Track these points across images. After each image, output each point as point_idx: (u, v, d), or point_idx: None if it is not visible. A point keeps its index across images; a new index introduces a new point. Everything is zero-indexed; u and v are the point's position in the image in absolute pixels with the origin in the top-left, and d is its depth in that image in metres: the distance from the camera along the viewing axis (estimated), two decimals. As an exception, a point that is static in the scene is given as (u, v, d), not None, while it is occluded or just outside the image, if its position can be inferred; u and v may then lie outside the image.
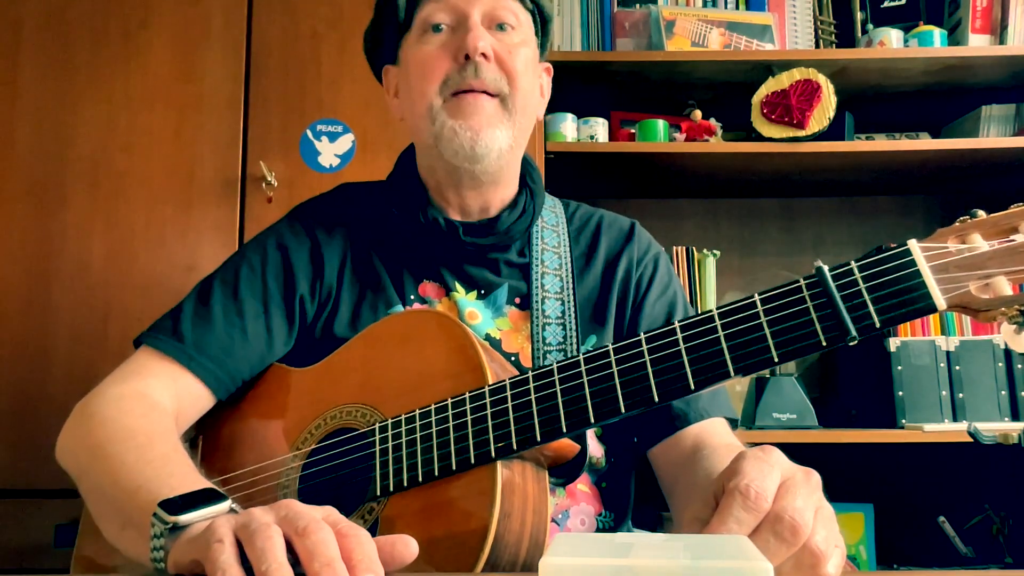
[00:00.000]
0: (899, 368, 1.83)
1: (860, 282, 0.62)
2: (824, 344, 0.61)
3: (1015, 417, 1.81)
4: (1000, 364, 1.83)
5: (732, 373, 0.63)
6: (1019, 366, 1.82)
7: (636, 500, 1.02)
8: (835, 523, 0.58)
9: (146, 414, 0.83)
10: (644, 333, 0.67)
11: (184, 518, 0.60)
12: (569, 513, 0.91)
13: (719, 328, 0.64)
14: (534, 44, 1.00)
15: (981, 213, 0.63)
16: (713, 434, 0.90)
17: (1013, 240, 0.61)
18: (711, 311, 0.65)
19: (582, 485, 0.94)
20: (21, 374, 1.74)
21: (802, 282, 0.63)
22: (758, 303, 0.64)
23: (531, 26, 1.00)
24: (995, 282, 0.60)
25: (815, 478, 0.59)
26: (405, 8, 0.96)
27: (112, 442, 0.79)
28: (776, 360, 0.62)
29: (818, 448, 1.77)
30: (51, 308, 1.76)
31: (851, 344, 0.61)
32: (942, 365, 1.84)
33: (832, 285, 0.62)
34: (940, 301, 0.60)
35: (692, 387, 0.64)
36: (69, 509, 1.60)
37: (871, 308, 0.61)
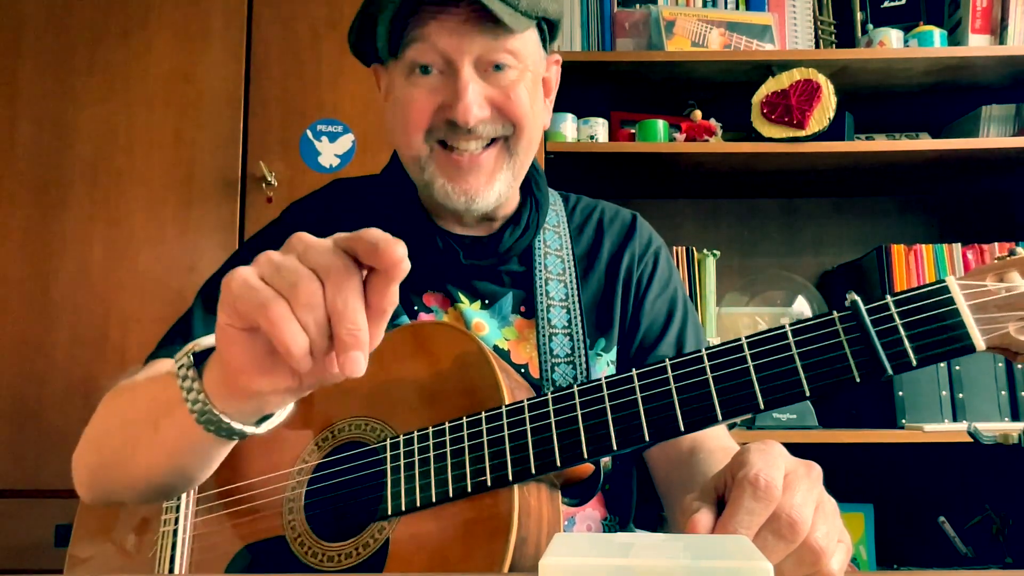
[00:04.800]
0: (899, 368, 1.83)
1: (896, 318, 0.59)
2: (858, 380, 0.59)
3: (1015, 417, 1.81)
4: (1000, 364, 1.83)
5: (762, 406, 0.61)
6: (1019, 366, 1.82)
7: (637, 501, 1.02)
8: (838, 518, 0.57)
9: (146, 375, 0.83)
10: (669, 360, 0.65)
11: (205, 339, 0.60)
12: (575, 520, 0.91)
13: (748, 358, 0.62)
14: (537, 61, 0.92)
15: (1021, 251, 0.62)
16: (710, 436, 0.89)
17: None
18: (740, 339, 0.63)
19: None
20: (21, 374, 1.74)
21: (835, 315, 0.61)
22: (789, 334, 0.62)
23: (534, 41, 0.91)
24: None
25: (816, 471, 0.58)
26: (388, 48, 0.88)
27: (122, 391, 0.79)
28: (807, 395, 0.60)
29: (818, 448, 1.77)
30: (51, 308, 1.76)
31: (883, 380, 0.60)
32: (942, 365, 1.84)
33: (867, 320, 0.60)
34: (980, 342, 0.58)
35: (720, 418, 0.62)
36: (69, 509, 1.59)
37: (907, 346, 0.59)
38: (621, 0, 2.16)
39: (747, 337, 0.63)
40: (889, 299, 0.60)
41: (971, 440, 1.36)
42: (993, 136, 2.03)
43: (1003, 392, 1.82)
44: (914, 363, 0.59)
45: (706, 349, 0.64)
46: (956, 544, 1.96)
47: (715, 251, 2.06)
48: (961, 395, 1.82)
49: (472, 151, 0.87)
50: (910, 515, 2.05)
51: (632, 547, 0.46)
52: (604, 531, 0.92)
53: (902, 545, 2.04)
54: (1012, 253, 0.62)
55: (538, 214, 0.98)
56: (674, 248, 2.04)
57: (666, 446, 0.91)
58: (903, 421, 1.81)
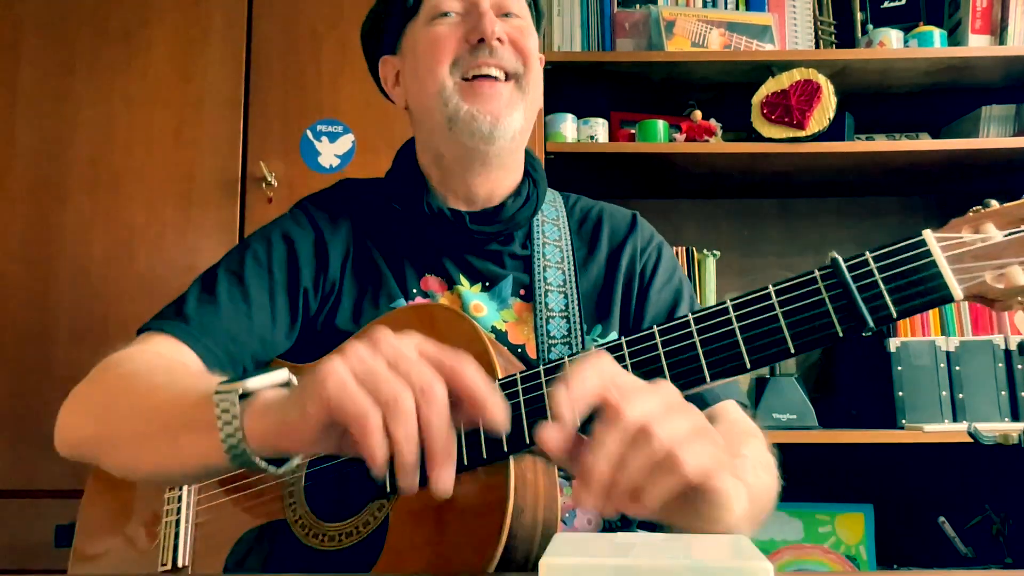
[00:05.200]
0: (899, 368, 1.83)
1: (876, 272, 0.61)
2: (841, 335, 0.61)
3: (1015, 417, 1.81)
4: (1000, 364, 1.83)
5: (748, 366, 0.63)
6: (1019, 366, 1.82)
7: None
8: (693, 414, 0.58)
9: (147, 355, 0.83)
10: (657, 326, 0.67)
11: (251, 382, 0.61)
12: (576, 512, 0.91)
13: (734, 320, 0.64)
14: (535, 34, 1.01)
15: (994, 203, 0.63)
16: (726, 412, 0.90)
17: None
18: (725, 303, 0.65)
19: None
20: (21, 374, 1.74)
21: (817, 273, 0.63)
22: (772, 294, 0.63)
23: (529, 15, 1.01)
24: (1010, 272, 0.60)
25: (665, 386, 0.59)
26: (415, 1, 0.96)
27: (135, 375, 0.78)
28: (792, 352, 0.62)
29: (818, 448, 1.77)
30: (51, 308, 1.76)
31: (865, 335, 0.61)
32: (942, 365, 1.84)
33: (848, 276, 0.61)
34: (957, 291, 0.60)
35: (707, 379, 0.64)
36: (69, 509, 1.59)
37: (887, 299, 0.60)
38: (621, 0, 2.16)
39: (732, 299, 0.65)
40: (868, 255, 0.62)
41: (971, 440, 1.36)
42: (993, 136, 2.03)
43: (1003, 392, 1.82)
44: (894, 315, 0.61)
45: (692, 313, 0.66)
46: (956, 544, 1.96)
47: (715, 251, 2.06)
48: (961, 395, 1.82)
49: (493, 76, 0.94)
50: (910, 515, 2.05)
51: (633, 547, 0.47)
52: (604, 526, 0.93)
53: (902, 545, 2.04)
54: (986, 205, 0.64)
55: (537, 189, 1.02)
56: (674, 248, 2.03)
57: None
58: (903, 421, 1.81)
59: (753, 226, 2.28)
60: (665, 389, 0.58)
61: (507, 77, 0.95)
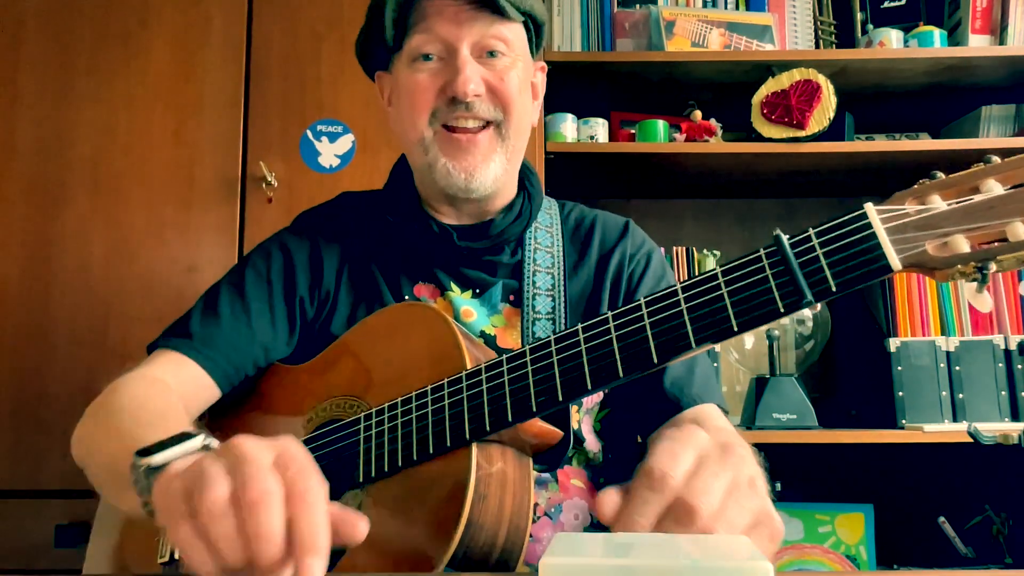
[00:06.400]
0: (899, 368, 1.83)
1: (817, 248, 0.62)
2: (782, 311, 0.62)
3: (1015, 417, 1.81)
4: (1000, 364, 1.83)
5: (693, 345, 0.64)
6: (1019, 366, 1.82)
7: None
8: (759, 499, 0.56)
9: (139, 387, 0.87)
10: (611, 311, 0.68)
11: (156, 458, 0.62)
12: (562, 507, 0.92)
13: (682, 302, 0.65)
14: (526, 55, 1.00)
15: (940, 174, 0.63)
16: (708, 417, 0.91)
17: (971, 199, 0.60)
18: (675, 286, 0.66)
19: (577, 480, 0.94)
20: (21, 374, 1.74)
21: (762, 252, 0.64)
22: (719, 275, 0.65)
23: (523, 37, 1.00)
24: (952, 240, 0.60)
25: (736, 452, 0.57)
26: (393, 37, 0.96)
27: (111, 413, 0.83)
28: (736, 329, 0.63)
29: (818, 448, 1.77)
30: (51, 308, 1.76)
31: (811, 310, 0.61)
32: (942, 365, 1.83)
33: (790, 252, 0.62)
34: (896, 262, 0.60)
35: (655, 361, 0.65)
36: (69, 509, 1.60)
37: (827, 272, 0.61)
38: (621, 0, 2.16)
39: (682, 283, 0.66)
40: (811, 230, 0.63)
41: (971, 440, 1.36)
42: (993, 136, 2.03)
43: (1003, 392, 1.81)
44: (834, 288, 0.61)
45: (644, 298, 0.67)
46: (956, 544, 1.96)
47: (715, 251, 2.06)
48: (961, 395, 1.82)
49: (470, 129, 0.95)
50: (910, 515, 2.05)
51: (632, 547, 0.47)
52: (592, 520, 0.94)
53: (902, 545, 2.04)
54: (932, 177, 0.64)
55: (531, 204, 1.04)
56: (674, 248, 2.04)
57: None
58: (903, 421, 1.81)
59: (753, 226, 2.28)
60: (729, 464, 0.55)
61: (486, 124, 0.96)
